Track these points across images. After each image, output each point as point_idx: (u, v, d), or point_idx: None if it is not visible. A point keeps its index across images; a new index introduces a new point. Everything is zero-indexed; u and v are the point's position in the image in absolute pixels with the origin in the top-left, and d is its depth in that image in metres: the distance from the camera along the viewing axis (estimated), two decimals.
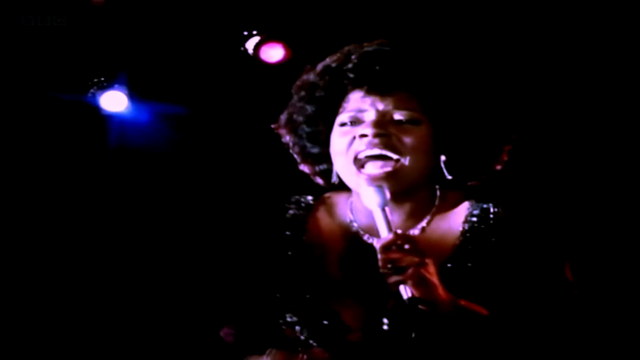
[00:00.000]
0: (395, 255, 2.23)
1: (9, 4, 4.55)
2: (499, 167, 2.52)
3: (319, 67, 2.52)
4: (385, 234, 2.27)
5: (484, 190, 2.50)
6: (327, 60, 2.52)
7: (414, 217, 2.47)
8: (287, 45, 4.92)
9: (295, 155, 2.58)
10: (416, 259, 2.23)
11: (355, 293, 2.44)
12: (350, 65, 2.45)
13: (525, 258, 2.41)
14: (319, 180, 2.58)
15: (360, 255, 2.46)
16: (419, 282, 2.22)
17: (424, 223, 2.47)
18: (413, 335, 2.34)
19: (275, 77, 4.87)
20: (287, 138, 2.56)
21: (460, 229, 2.46)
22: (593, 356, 2.41)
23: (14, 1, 4.55)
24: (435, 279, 2.25)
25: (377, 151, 2.40)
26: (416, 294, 2.22)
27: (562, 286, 2.40)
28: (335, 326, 2.42)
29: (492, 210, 2.46)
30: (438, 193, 2.50)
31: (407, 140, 2.40)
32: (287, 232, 2.53)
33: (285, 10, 4.89)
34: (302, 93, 2.53)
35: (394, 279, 2.23)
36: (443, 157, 2.45)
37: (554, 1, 4.61)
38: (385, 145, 2.39)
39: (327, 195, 2.59)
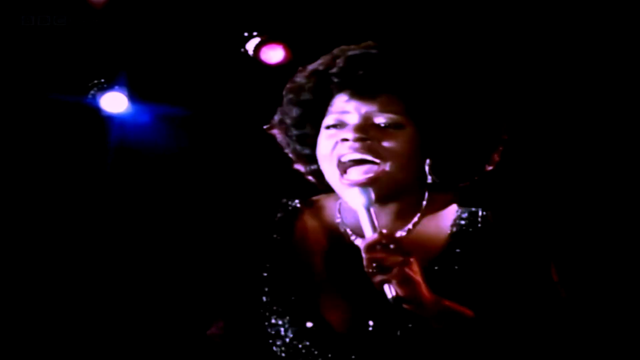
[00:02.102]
0: (379, 255, 2.23)
1: (9, 4, 4.56)
2: (490, 168, 2.52)
3: (308, 69, 2.52)
4: (370, 234, 2.28)
5: (473, 194, 2.50)
6: (316, 63, 2.52)
7: (401, 219, 2.47)
8: (288, 46, 4.93)
9: (290, 155, 2.59)
10: (400, 259, 2.23)
11: (342, 294, 2.44)
12: (335, 69, 2.45)
13: (513, 262, 2.41)
14: (312, 179, 2.59)
15: (348, 255, 2.46)
16: (403, 282, 2.23)
17: (410, 225, 2.47)
18: (398, 333, 2.36)
19: (275, 78, 4.87)
20: (279, 138, 2.57)
21: (448, 231, 2.46)
22: (581, 357, 2.40)
23: (14, 1, 4.56)
24: (419, 278, 2.25)
25: (358, 155, 2.39)
26: (400, 293, 2.22)
27: (549, 289, 2.40)
28: (321, 327, 2.42)
29: (480, 213, 2.46)
30: (426, 195, 2.50)
31: (389, 144, 2.39)
32: (275, 235, 2.53)
33: (286, 11, 4.89)
34: (290, 95, 2.53)
35: (378, 278, 2.23)
36: (428, 161, 2.44)
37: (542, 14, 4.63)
38: (366, 150, 2.39)
39: (315, 198, 2.60)
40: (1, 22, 4.57)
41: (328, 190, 2.53)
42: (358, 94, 2.42)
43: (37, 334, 4.98)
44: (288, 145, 2.55)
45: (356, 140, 2.38)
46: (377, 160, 2.39)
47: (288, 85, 2.54)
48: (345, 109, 2.43)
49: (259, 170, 4.99)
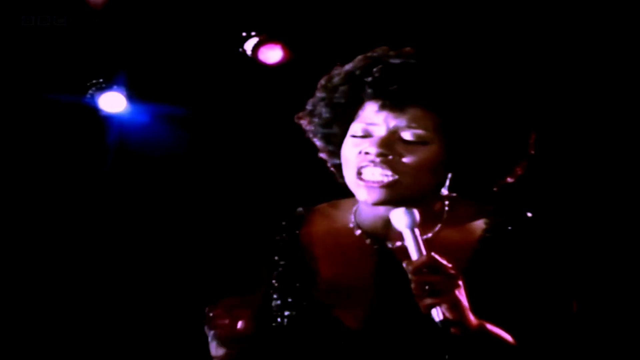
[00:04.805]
0: (431, 278, 2.18)
1: (8, 4, 4.55)
2: (510, 180, 2.50)
3: (345, 69, 2.49)
4: (415, 256, 2.22)
5: (498, 205, 2.47)
6: (354, 64, 2.48)
7: (420, 229, 2.40)
8: (286, 46, 4.93)
9: (317, 144, 2.59)
10: (453, 281, 2.20)
11: (358, 296, 2.41)
12: (370, 78, 2.42)
13: (538, 276, 2.38)
14: (334, 170, 2.58)
15: (364, 258, 2.44)
16: (454, 306, 2.19)
17: (429, 234, 2.44)
18: (447, 358, 2.32)
19: (273, 78, 4.88)
20: (308, 128, 2.57)
21: (473, 243, 2.43)
22: None
23: (14, 1, 4.56)
24: (466, 302, 2.22)
25: (378, 170, 2.37)
26: (450, 317, 2.18)
27: (566, 312, 2.39)
28: (334, 331, 2.39)
29: (507, 226, 2.43)
30: (447, 207, 2.48)
31: (411, 159, 2.38)
32: (279, 239, 2.52)
33: (284, 11, 4.89)
34: (324, 94, 2.50)
35: (428, 301, 2.18)
36: (450, 175, 2.42)
37: (581, 27, 4.61)
38: (385, 165, 2.37)
39: (323, 205, 2.58)
40: (1, 22, 4.56)
41: (345, 184, 2.52)
42: (388, 105, 2.40)
43: (37, 334, 4.97)
44: (315, 137, 2.54)
45: (378, 155, 2.37)
46: (394, 177, 2.38)
47: (322, 82, 2.51)
48: (374, 121, 2.41)
49: (258, 170, 4.99)
